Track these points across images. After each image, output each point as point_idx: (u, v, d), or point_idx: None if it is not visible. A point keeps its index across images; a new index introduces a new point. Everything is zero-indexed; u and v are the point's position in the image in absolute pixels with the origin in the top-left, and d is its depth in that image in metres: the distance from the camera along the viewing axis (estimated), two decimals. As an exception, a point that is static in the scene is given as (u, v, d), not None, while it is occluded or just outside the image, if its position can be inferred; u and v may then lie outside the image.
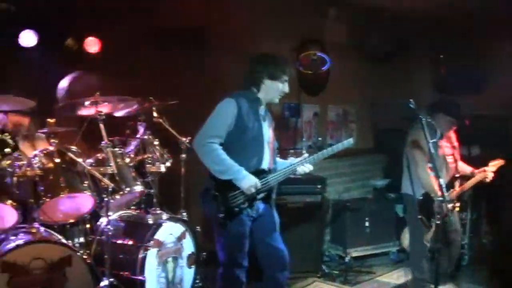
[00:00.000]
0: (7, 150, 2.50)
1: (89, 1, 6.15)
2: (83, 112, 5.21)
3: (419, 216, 5.59)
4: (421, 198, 5.60)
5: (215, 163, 4.37)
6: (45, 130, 5.06)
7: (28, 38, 6.06)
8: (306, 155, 4.68)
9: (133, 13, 6.24)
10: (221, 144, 4.39)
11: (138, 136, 5.56)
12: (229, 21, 6.92)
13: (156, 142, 5.50)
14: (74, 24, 6.24)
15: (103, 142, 5.02)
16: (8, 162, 4.49)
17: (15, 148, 2.54)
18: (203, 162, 4.40)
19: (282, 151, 5.00)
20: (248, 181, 4.37)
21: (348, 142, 4.74)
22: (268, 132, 4.64)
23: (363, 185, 9.21)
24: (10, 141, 2.49)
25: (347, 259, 7.45)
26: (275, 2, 7.35)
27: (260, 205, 4.59)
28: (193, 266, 5.49)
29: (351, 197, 8.49)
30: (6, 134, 2.50)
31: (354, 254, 7.55)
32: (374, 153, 9.56)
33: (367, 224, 7.68)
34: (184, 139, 5.61)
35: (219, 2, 6.76)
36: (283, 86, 4.61)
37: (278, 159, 4.80)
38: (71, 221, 5.07)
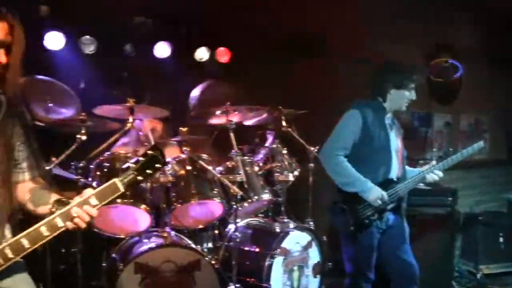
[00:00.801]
0: (158, 165, 2.59)
1: (219, 13, 6.30)
2: (214, 121, 5.35)
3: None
4: None
5: (341, 176, 4.35)
6: (177, 138, 5.22)
7: (162, 50, 6.33)
8: (433, 162, 4.54)
9: (261, 24, 6.32)
10: (347, 156, 4.35)
11: (267, 144, 5.61)
12: (357, 29, 6.83)
13: (284, 151, 5.52)
14: (205, 35, 6.41)
15: (233, 151, 5.12)
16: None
17: (165, 163, 2.63)
18: (329, 174, 4.39)
19: (411, 161, 4.85)
20: (374, 193, 4.28)
21: (479, 145, 4.54)
22: (395, 140, 4.52)
23: (496, 198, 8.72)
24: (161, 157, 2.58)
25: (478, 275, 7.10)
26: (403, 8, 7.18)
27: (390, 216, 4.47)
28: (318, 275, 5.44)
29: (483, 210, 8.09)
30: (157, 150, 2.60)
31: (486, 271, 7.16)
32: (508, 164, 9.07)
33: (501, 239, 7.28)
34: (312, 148, 5.59)
35: (345, 8, 6.70)
36: (410, 94, 4.46)
37: (407, 167, 4.68)
38: (201, 226, 5.22)
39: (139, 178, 2.53)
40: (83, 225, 2.49)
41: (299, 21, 6.48)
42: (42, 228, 2.41)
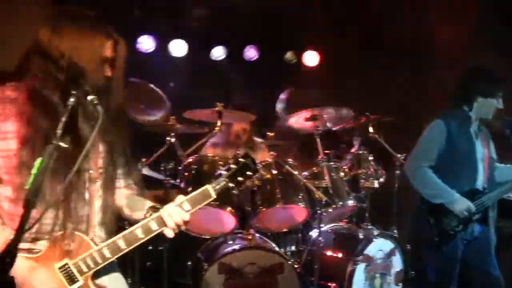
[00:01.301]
0: (249, 173, 2.67)
1: (308, 16, 6.30)
2: (300, 125, 5.36)
3: None
4: None
5: (427, 187, 4.30)
6: (264, 141, 5.26)
7: (251, 53, 6.40)
8: None
9: (351, 28, 6.28)
10: (432, 166, 4.29)
11: (353, 150, 5.57)
12: (453, 35, 6.65)
13: (370, 158, 5.45)
14: (293, 38, 6.43)
15: (319, 157, 5.14)
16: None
17: (256, 171, 2.70)
18: (414, 186, 4.36)
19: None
20: (461, 204, 4.21)
21: None
22: (482, 149, 4.41)
23: None
24: (252, 165, 2.66)
25: None
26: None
27: (476, 227, 4.36)
28: (400, 284, 5.34)
29: None
30: (249, 158, 2.68)
31: None
32: None
33: None
34: (399, 155, 5.52)
35: (441, 15, 6.55)
36: (498, 102, 4.31)
37: (499, 165, 4.56)
38: (284, 230, 5.24)
39: (231, 185, 2.64)
40: (177, 229, 2.60)
41: (393, 27, 6.35)
42: (137, 230, 2.55)
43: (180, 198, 2.61)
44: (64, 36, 2.50)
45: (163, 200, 4.77)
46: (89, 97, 2.36)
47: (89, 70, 2.48)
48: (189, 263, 5.12)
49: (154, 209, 2.67)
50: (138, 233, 2.55)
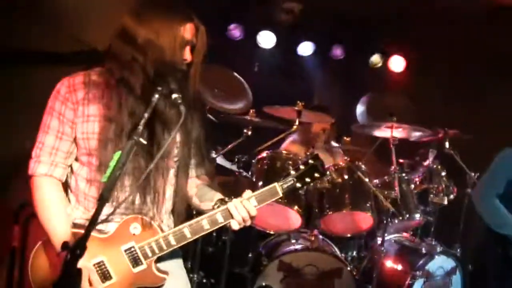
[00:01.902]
0: (317, 175, 2.72)
1: (399, 21, 6.22)
2: (378, 133, 5.35)
3: None
4: None
5: (493, 217, 4.27)
6: (339, 146, 5.27)
7: (337, 52, 6.40)
8: None
9: (443, 36, 6.15)
10: (499, 194, 4.23)
11: (426, 163, 5.49)
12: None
13: (443, 173, 5.37)
14: (381, 41, 6.36)
15: (392, 167, 5.11)
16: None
17: (324, 174, 2.75)
18: (481, 215, 4.31)
19: None
20: None
21: None
22: None
23: None
24: (321, 168, 2.71)
25: None
26: None
27: None
28: (455, 303, 5.31)
29: None
30: (318, 160, 2.72)
31: None
32: None
33: None
34: (473, 174, 5.43)
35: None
36: None
37: None
38: (348, 235, 5.23)
39: (298, 185, 2.69)
40: (244, 224, 2.67)
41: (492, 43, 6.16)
42: (204, 221, 2.63)
43: (248, 193, 2.67)
44: (145, 20, 2.56)
45: (232, 189, 4.95)
46: (174, 95, 2.43)
47: (169, 52, 2.54)
48: (250, 255, 5.23)
49: (223, 201, 2.73)
50: (204, 223, 2.62)
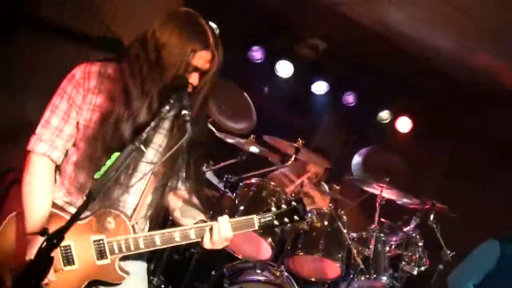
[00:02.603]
0: (296, 218, 2.74)
1: (412, 83, 6.25)
2: (368, 188, 5.39)
3: None
4: None
5: None
6: (328, 192, 5.28)
7: (350, 98, 6.45)
8: None
9: (453, 110, 6.17)
10: (476, 285, 4.27)
11: (406, 229, 5.51)
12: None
13: (420, 244, 5.38)
14: (393, 99, 6.39)
15: (372, 226, 5.14)
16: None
17: (303, 219, 2.77)
18: None
19: None
20: None
21: None
22: None
23: None
24: (302, 212, 2.73)
25: None
26: None
27: None
28: None
29: None
30: (301, 204, 2.74)
31: None
32: None
33: None
34: (449, 251, 5.44)
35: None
36: None
37: None
38: (312, 279, 5.21)
39: (275, 223, 2.70)
40: (216, 246, 2.68)
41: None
42: (176, 233, 2.64)
43: (225, 218, 2.68)
44: (165, 31, 2.60)
45: (213, 205, 4.95)
46: (183, 112, 2.46)
47: (171, 72, 2.58)
48: (213, 273, 5.18)
49: (203, 223, 2.74)
50: (175, 236, 2.64)
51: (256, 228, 2.68)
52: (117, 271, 2.68)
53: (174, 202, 2.94)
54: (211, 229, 2.66)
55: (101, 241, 2.65)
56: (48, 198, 2.71)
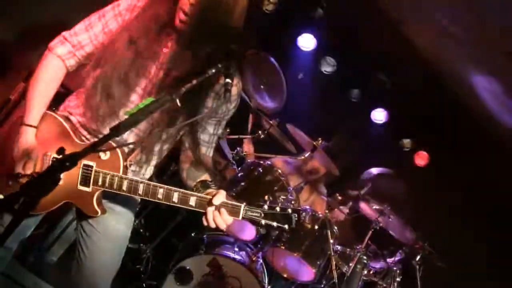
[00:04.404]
0: (284, 226, 2.56)
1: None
2: (366, 209, 5.35)
3: None
4: None
5: None
6: (327, 198, 5.29)
7: (381, 115, 6.42)
8: None
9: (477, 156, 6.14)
10: None
11: (389, 261, 5.43)
12: None
13: (398, 279, 5.22)
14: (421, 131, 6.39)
15: (359, 246, 5.10)
16: (283, 197, 4.82)
17: (291, 231, 2.63)
18: None
19: None
20: None
21: None
22: None
23: None
24: (294, 224, 2.57)
25: None
26: None
27: None
28: None
29: None
30: (296, 216, 2.61)
31: None
32: None
33: None
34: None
35: None
36: None
37: None
38: (285, 276, 5.19)
39: (262, 222, 2.53)
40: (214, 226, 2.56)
41: None
42: (174, 194, 2.55)
43: (221, 195, 2.54)
44: None
45: (217, 171, 4.91)
46: (227, 80, 2.44)
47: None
48: (193, 234, 5.22)
49: (203, 183, 2.71)
50: (173, 196, 2.55)
51: (239, 219, 2.53)
52: (93, 204, 2.67)
53: (184, 161, 2.91)
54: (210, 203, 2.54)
55: (89, 168, 2.64)
56: (48, 98, 2.76)
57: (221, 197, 2.52)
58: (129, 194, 2.61)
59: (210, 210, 2.51)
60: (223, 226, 2.52)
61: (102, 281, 2.94)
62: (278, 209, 2.55)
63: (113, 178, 2.61)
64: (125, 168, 2.66)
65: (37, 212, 2.75)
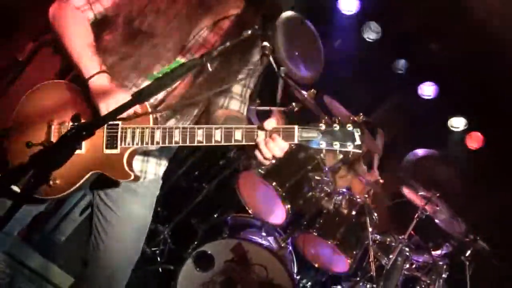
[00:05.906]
0: (349, 144, 2.22)
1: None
2: (409, 194, 5.03)
3: None
4: None
5: None
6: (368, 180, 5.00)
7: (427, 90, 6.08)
8: None
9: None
10: None
11: (434, 254, 5.02)
12: None
13: (444, 275, 4.86)
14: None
15: (402, 236, 4.73)
16: (318, 177, 4.53)
17: (359, 147, 2.27)
18: None
19: None
20: None
21: None
22: None
23: None
24: (359, 140, 2.22)
25: None
26: None
27: None
28: None
29: None
30: (361, 130, 2.25)
31: None
32: None
33: None
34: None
35: None
36: None
37: None
38: (316, 265, 4.85)
39: (321, 143, 2.22)
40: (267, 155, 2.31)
41: None
42: (216, 131, 2.33)
43: (273, 121, 2.28)
44: None
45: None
46: (265, 43, 2.27)
47: None
48: (216, 215, 5.03)
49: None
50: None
51: (296, 142, 2.25)
52: (124, 166, 2.39)
53: (215, 119, 2.68)
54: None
55: (115, 126, 2.39)
56: (92, 44, 2.53)
57: (272, 122, 2.30)
58: (164, 144, 2.38)
59: (261, 137, 2.28)
60: (279, 154, 2.28)
61: (121, 273, 2.81)
62: (335, 125, 2.23)
63: (143, 131, 2.38)
64: (155, 119, 2.44)
65: (65, 192, 2.44)
